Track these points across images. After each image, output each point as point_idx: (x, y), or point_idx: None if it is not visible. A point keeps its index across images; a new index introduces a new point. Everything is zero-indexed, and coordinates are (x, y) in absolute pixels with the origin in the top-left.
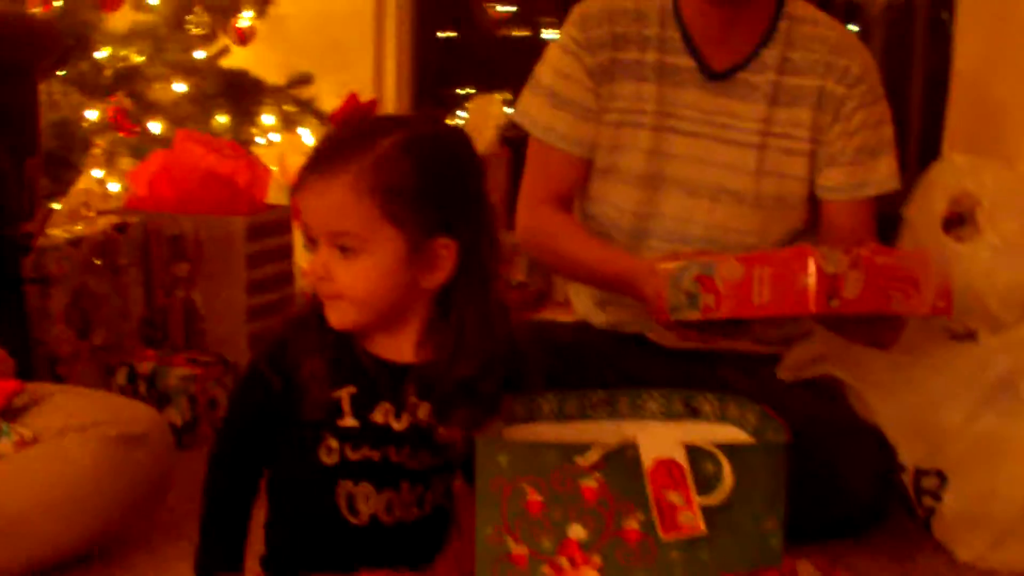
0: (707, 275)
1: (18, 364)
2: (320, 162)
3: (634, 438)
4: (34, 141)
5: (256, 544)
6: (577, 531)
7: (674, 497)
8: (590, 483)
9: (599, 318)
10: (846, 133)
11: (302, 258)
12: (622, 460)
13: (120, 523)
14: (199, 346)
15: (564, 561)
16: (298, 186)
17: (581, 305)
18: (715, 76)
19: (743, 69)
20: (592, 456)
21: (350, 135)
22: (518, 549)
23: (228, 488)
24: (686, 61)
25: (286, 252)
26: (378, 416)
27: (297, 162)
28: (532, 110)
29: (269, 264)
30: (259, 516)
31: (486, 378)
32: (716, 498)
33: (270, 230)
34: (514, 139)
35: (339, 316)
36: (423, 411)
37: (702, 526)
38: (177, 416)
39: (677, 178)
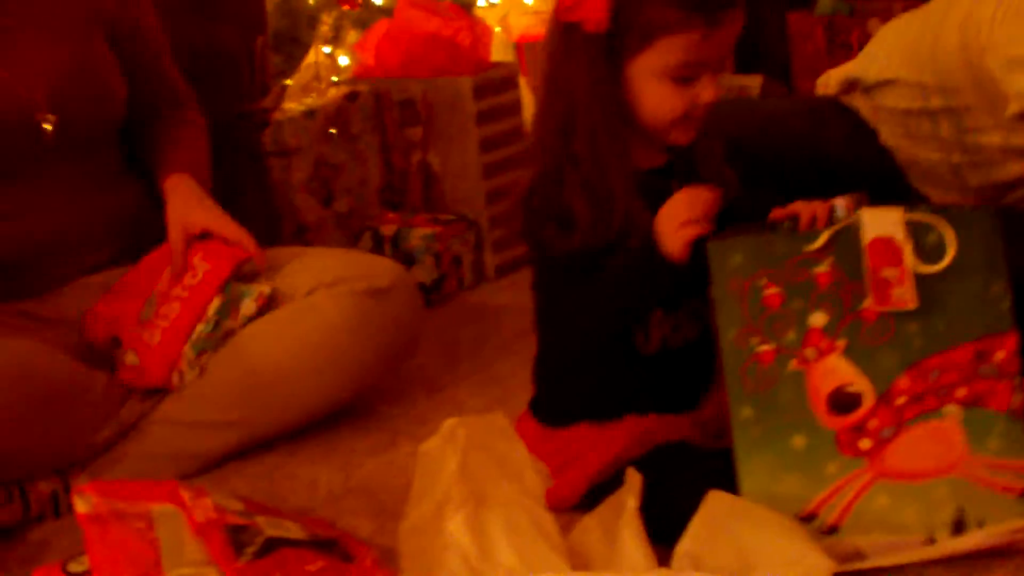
0: None
1: (267, 233)
2: None
3: (857, 218)
4: (262, 21)
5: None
6: (818, 318)
7: (889, 272)
8: (822, 268)
9: None
10: None
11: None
12: (849, 242)
13: (371, 376)
14: (439, 207)
15: (810, 351)
16: (716, 22)
17: None
18: None
19: None
20: (821, 240)
21: None
22: (764, 347)
23: None
24: None
25: (515, 109)
26: None
27: (521, 21)
28: None
29: (499, 121)
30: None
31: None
32: (941, 265)
33: (497, 87)
34: None
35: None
36: None
37: (912, 303)
38: (423, 274)
39: None
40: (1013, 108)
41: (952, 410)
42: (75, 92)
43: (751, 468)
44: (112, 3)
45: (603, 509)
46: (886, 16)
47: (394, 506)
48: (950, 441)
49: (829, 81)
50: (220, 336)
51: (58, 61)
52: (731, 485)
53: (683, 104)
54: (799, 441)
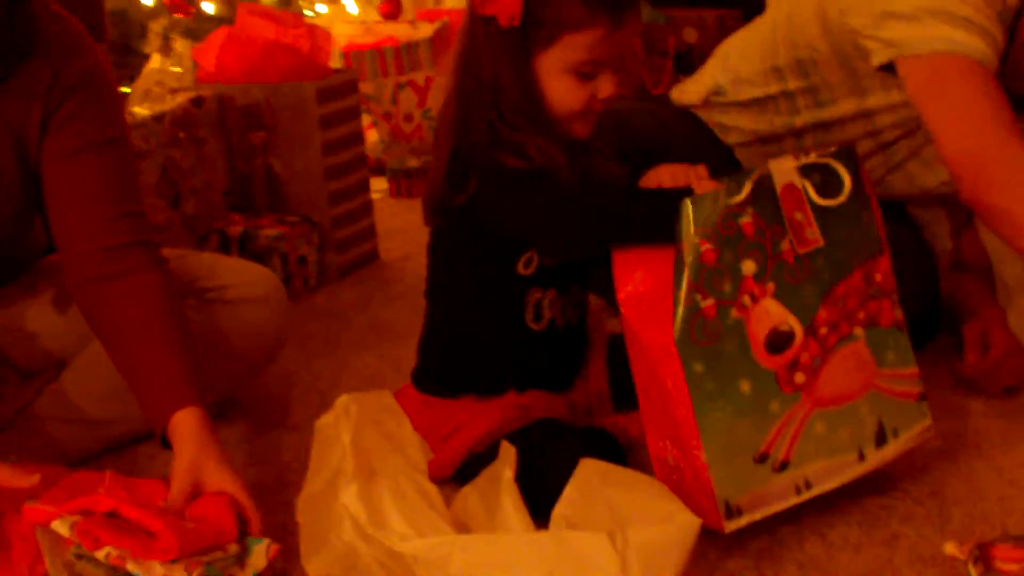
0: None
1: None
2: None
3: (767, 168)
4: (101, 28)
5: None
6: (748, 266)
7: (799, 216)
8: (746, 219)
9: None
10: None
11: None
12: (763, 191)
13: (245, 380)
14: (283, 209)
15: (746, 299)
16: (619, 22)
17: None
18: None
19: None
20: (744, 190)
21: None
22: (706, 302)
23: None
24: None
25: (354, 113)
26: None
27: (345, 31)
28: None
29: (340, 125)
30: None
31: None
32: (840, 199)
33: (338, 92)
34: None
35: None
36: None
37: (820, 240)
38: None
39: None
40: (876, 59)
41: (859, 332)
42: None
43: (708, 421)
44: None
45: (481, 481)
46: (700, 25)
47: (276, 486)
48: (862, 361)
49: (685, 90)
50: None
51: None
52: (601, 457)
53: (584, 98)
54: (745, 386)
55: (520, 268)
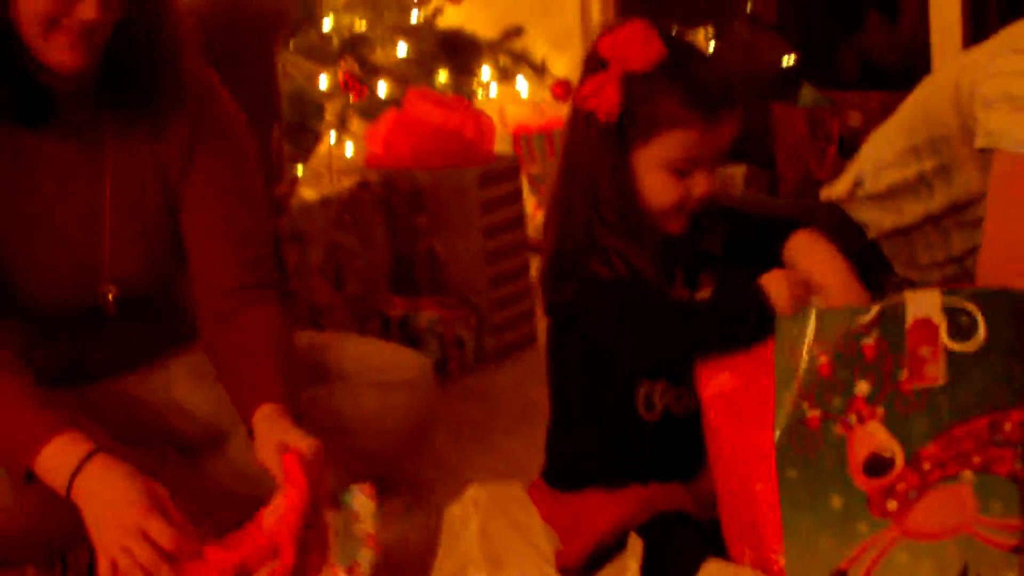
0: None
1: None
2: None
3: (903, 298)
4: (277, 110)
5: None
6: (862, 387)
7: (925, 350)
8: (869, 341)
9: None
10: None
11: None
12: (893, 318)
13: (394, 458)
14: (443, 291)
15: (853, 418)
16: (715, 120)
17: None
18: None
19: None
20: (871, 315)
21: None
22: (812, 412)
23: None
24: None
25: (516, 197)
26: None
27: (517, 112)
28: None
29: (501, 209)
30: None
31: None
32: (972, 346)
33: (500, 177)
34: None
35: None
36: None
37: (942, 379)
38: (428, 356)
39: None
40: (977, 143)
41: (968, 475)
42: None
43: (794, 528)
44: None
45: (608, 571)
46: (864, 108)
47: (409, 566)
48: (963, 503)
49: (834, 186)
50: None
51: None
52: (723, 553)
53: (678, 195)
54: (836, 501)
55: None
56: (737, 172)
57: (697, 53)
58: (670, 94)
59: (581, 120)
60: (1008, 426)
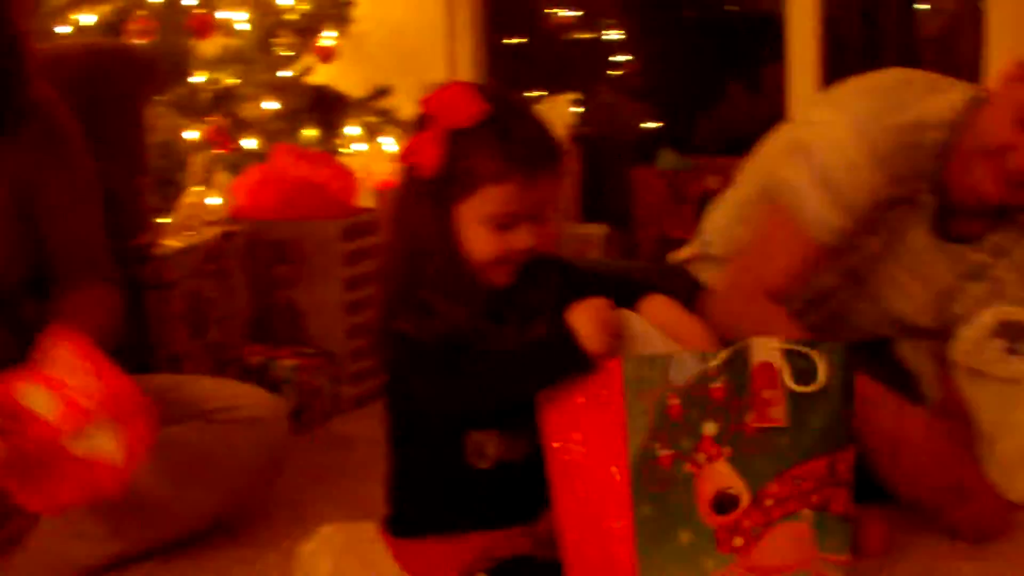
0: None
1: (139, 363)
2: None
3: (748, 343)
4: (143, 161)
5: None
6: (710, 428)
7: (767, 394)
8: (717, 384)
9: None
10: None
11: None
12: (739, 363)
13: (244, 496)
14: (302, 341)
15: (701, 457)
16: (533, 176)
17: None
18: (945, 235)
19: (967, 243)
20: (719, 359)
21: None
22: (664, 452)
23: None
24: (931, 204)
25: (378, 250)
26: None
27: (382, 169)
28: (815, 204)
29: (364, 262)
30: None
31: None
32: (812, 387)
33: (363, 231)
34: (582, 136)
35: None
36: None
37: (783, 421)
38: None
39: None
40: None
41: (807, 513)
42: None
43: (648, 563)
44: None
45: None
46: (724, 173)
47: None
48: (802, 540)
49: (684, 249)
50: None
51: None
52: None
53: (499, 249)
54: (685, 537)
55: None
56: (597, 232)
57: (519, 111)
58: (490, 150)
59: (407, 177)
60: (841, 466)
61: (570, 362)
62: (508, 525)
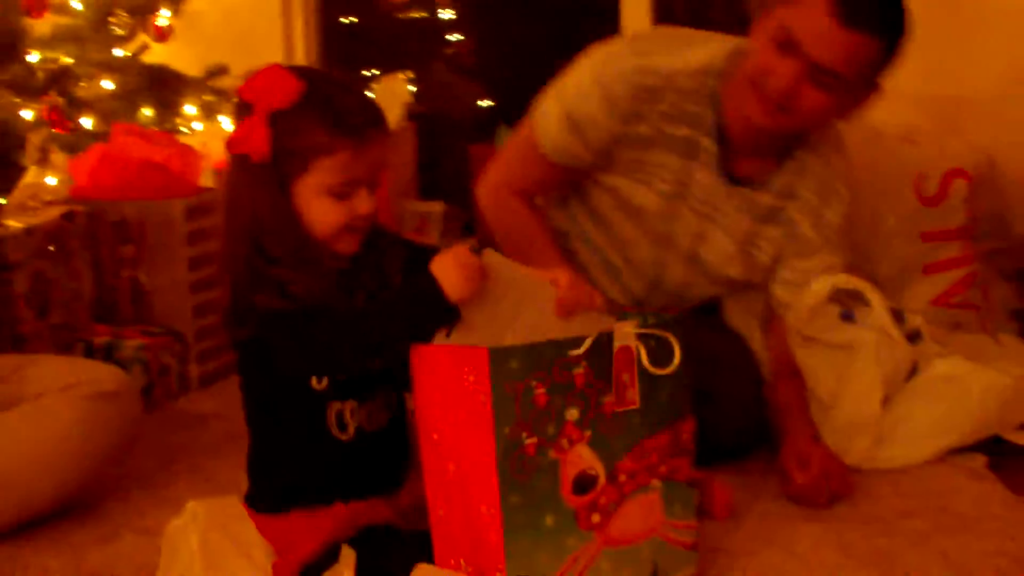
0: None
1: None
2: (375, 119)
3: (610, 329)
4: None
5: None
6: (572, 413)
7: (625, 377)
8: (579, 370)
9: None
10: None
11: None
12: (601, 348)
13: (97, 473)
14: (147, 320)
15: (564, 442)
16: (362, 141)
17: None
18: (732, 180)
19: (751, 186)
20: (584, 346)
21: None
22: (530, 440)
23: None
24: (712, 149)
25: (219, 231)
26: None
27: (221, 148)
28: (548, 124)
29: (207, 241)
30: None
31: None
32: (670, 368)
33: (205, 210)
34: (418, 114)
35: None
36: None
37: (637, 403)
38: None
39: (680, 244)
40: None
41: (656, 484)
42: None
43: (515, 548)
44: None
45: None
46: None
47: None
48: (653, 509)
49: None
50: None
51: None
52: (431, 562)
53: (343, 217)
54: (550, 520)
55: (314, 384)
56: (435, 209)
57: (336, 82)
58: (316, 124)
59: (237, 165)
60: (684, 436)
61: (435, 308)
62: (370, 495)
